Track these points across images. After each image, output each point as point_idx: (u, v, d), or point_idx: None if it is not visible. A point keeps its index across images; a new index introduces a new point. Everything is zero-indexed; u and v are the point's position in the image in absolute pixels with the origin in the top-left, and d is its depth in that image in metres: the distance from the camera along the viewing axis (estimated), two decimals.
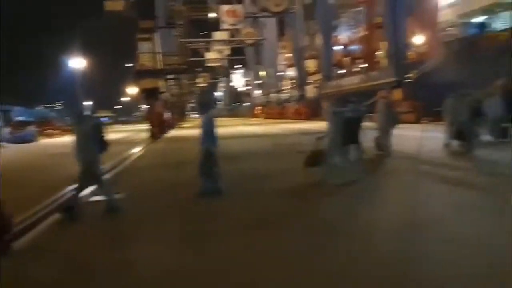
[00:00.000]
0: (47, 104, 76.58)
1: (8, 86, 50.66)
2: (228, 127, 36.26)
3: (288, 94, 64.06)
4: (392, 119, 11.51)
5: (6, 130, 32.95)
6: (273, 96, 67.10)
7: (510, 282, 3.48)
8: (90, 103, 63.19)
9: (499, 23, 29.14)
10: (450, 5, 31.71)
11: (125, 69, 54.76)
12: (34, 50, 53.77)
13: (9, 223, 5.38)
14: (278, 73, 69.42)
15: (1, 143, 26.61)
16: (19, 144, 28.73)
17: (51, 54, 52.53)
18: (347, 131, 10.09)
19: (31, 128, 34.67)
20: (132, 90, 49.36)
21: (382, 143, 11.49)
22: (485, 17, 30.02)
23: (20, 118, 40.13)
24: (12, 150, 23.59)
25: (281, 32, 69.05)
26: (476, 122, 12.67)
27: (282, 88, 70.06)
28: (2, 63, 51.59)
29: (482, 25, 29.96)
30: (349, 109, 10.42)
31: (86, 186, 7.45)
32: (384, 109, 11.45)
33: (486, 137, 13.32)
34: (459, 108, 12.32)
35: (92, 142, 7.00)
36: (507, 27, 27.81)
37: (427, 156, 11.79)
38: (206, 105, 8.39)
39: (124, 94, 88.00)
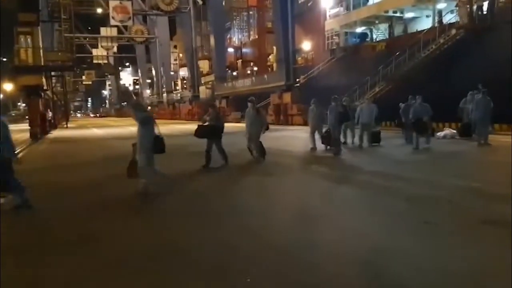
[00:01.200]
0: None
1: None
2: (115, 128, 34.91)
3: (180, 95, 63.49)
4: (261, 124, 11.08)
5: None
6: (165, 96, 65.97)
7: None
8: None
9: (377, 34, 32.01)
10: (334, 15, 34.01)
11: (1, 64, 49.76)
12: None
13: None
14: (169, 73, 68.42)
15: None
16: None
17: None
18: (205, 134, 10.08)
19: None
20: (8, 86, 45.00)
21: (254, 146, 11.19)
22: (365, 27, 32.74)
23: None
24: None
25: (173, 32, 68.20)
26: (343, 126, 13.52)
27: (174, 88, 69.20)
28: None
29: (362, 35, 32.64)
30: (209, 116, 10.49)
31: None
32: (253, 115, 11.03)
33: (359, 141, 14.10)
34: (320, 114, 13.12)
35: None
36: (383, 38, 30.67)
37: (313, 156, 12.58)
38: None
39: None
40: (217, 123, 10.14)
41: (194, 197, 7.43)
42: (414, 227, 5.21)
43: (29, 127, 24.11)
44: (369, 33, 32.80)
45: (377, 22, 31.50)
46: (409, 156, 11.92)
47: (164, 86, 67.18)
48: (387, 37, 30.36)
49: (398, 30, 30.18)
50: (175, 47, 75.15)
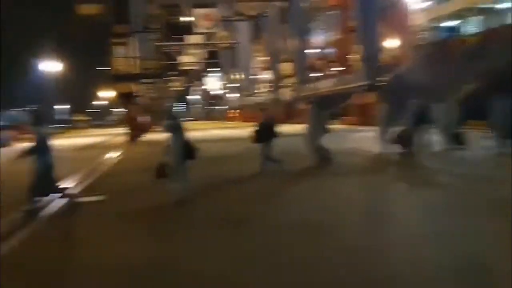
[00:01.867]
0: (17, 108, 74.10)
1: None
2: (203, 131, 36.31)
3: (263, 98, 64.43)
4: (321, 127, 10.97)
5: None
6: (249, 99, 67.37)
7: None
8: (65, 106, 62.34)
9: (470, 27, 30.16)
10: (423, 10, 32.58)
11: (96, 73, 54.22)
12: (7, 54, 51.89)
13: None
14: (252, 76, 69.73)
15: None
16: None
17: (22, 57, 51.36)
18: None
19: (7, 133, 33.16)
20: (106, 94, 48.95)
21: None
22: (456, 21, 30.99)
23: None
24: None
25: (255, 36, 69.41)
26: (421, 128, 12.46)
27: (257, 91, 70.38)
28: None
29: (452, 29, 30.92)
30: None
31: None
32: (313, 118, 11.00)
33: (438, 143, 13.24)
34: (391, 113, 12.76)
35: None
36: (476, 31, 28.82)
37: (388, 157, 12.25)
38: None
39: (96, 98, 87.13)
40: (269, 126, 10.56)
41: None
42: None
43: (126, 131, 26.16)
44: (460, 27, 31.01)
45: (469, 15, 29.71)
46: (492, 160, 10.97)
47: (247, 90, 68.67)
48: (481, 30, 28.48)
49: (492, 22, 28.26)
50: (257, 51, 76.39)
